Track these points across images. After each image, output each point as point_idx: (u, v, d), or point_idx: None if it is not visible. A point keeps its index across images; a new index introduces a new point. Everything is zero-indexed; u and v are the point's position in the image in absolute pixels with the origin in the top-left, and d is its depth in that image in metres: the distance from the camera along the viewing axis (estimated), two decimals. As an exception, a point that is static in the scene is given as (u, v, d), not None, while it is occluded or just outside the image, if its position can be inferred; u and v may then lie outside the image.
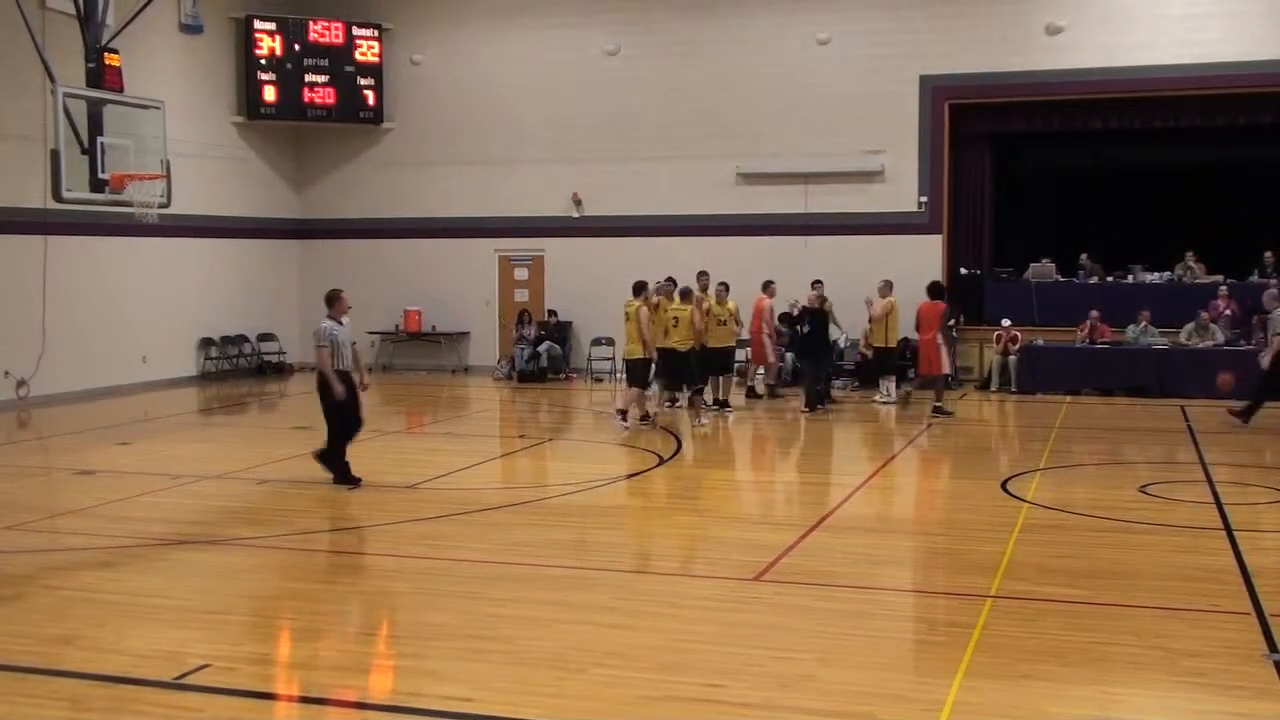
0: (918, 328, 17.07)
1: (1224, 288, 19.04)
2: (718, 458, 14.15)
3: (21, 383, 17.99)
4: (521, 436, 16.26)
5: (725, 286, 17.09)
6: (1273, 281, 18.84)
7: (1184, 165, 21.31)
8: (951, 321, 19.89)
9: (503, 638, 6.83)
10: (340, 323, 11.53)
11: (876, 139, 20.68)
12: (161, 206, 16.43)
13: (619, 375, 21.56)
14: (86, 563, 8.76)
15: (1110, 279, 20.45)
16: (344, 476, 11.26)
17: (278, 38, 22.33)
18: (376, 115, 23.09)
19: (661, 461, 12.99)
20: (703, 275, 16.96)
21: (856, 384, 19.29)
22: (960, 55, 20.23)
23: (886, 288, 17.78)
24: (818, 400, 16.88)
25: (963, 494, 11.70)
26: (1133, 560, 8.67)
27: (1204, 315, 18.47)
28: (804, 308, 17.33)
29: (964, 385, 19.90)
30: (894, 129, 20.59)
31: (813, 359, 17.29)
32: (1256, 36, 18.94)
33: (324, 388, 11.27)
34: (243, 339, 22.55)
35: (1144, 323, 18.90)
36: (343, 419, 11.30)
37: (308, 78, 22.54)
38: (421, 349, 23.39)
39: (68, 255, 18.57)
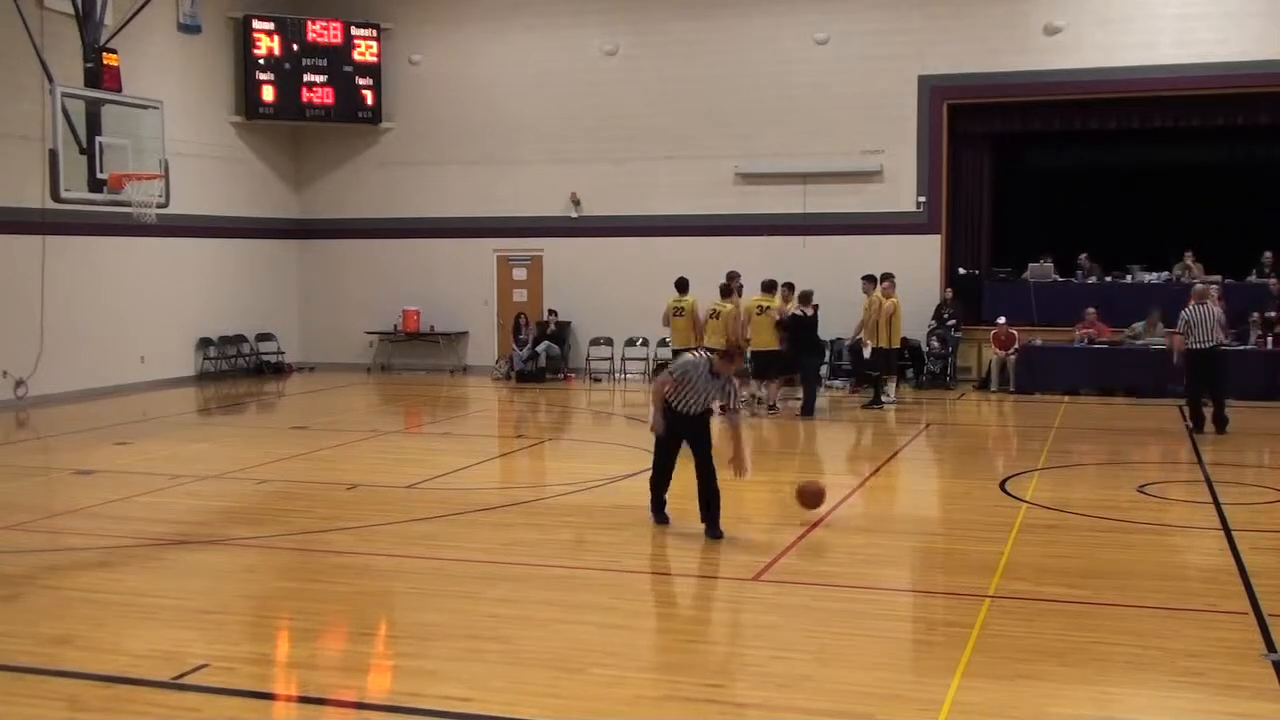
0: None
1: (1216, 287, 19.01)
2: (716, 458, 14.11)
3: (20, 383, 17.98)
4: (520, 436, 16.27)
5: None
6: (1271, 281, 18.88)
7: (1182, 165, 21.30)
8: (952, 322, 19.98)
9: (501, 638, 6.83)
10: (715, 374, 9.29)
11: (875, 139, 20.68)
12: (160, 206, 16.44)
13: (622, 374, 21.64)
14: (86, 563, 8.76)
15: (1109, 279, 20.46)
16: (655, 510, 9.79)
17: (276, 38, 22.32)
18: (375, 115, 23.08)
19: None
20: (788, 286, 17.56)
21: (885, 387, 18.91)
22: (959, 55, 20.24)
23: (891, 287, 17.71)
24: (808, 405, 16.83)
25: (961, 494, 11.71)
26: (1131, 560, 8.67)
27: None
28: (792, 315, 17.15)
29: (961, 385, 19.93)
30: (892, 129, 20.59)
31: (800, 365, 17.17)
32: (1254, 36, 18.95)
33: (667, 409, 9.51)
34: (241, 339, 22.54)
35: (1154, 322, 18.73)
36: (664, 449, 9.64)
37: (306, 78, 22.53)
38: (420, 349, 23.40)
39: (66, 255, 18.57)
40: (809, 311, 16.97)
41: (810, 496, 9.51)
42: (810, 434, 15.79)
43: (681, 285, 17.44)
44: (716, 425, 9.48)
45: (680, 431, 9.44)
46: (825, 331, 17.94)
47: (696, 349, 10.05)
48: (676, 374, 9.30)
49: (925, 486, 12.54)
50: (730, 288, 17.09)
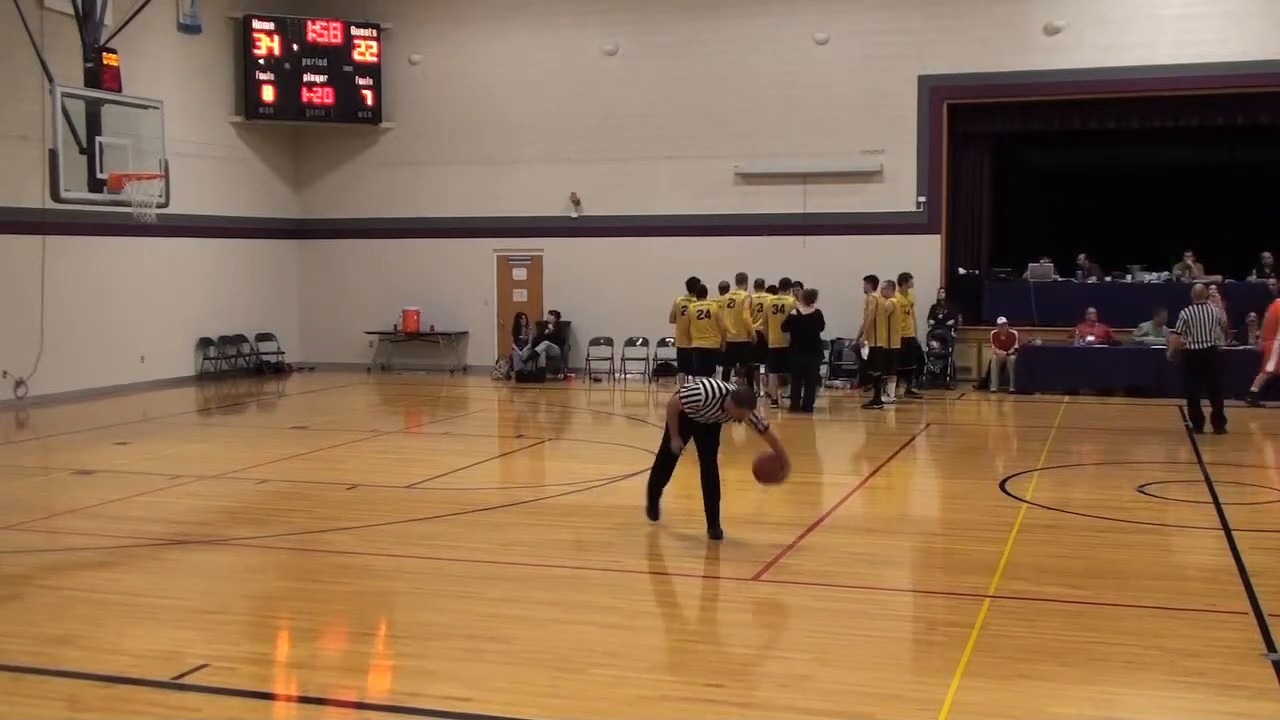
0: None
1: (1214, 287, 18.98)
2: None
3: (20, 383, 17.98)
4: (520, 436, 16.28)
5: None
6: (1271, 282, 18.87)
7: (1182, 165, 21.32)
8: (951, 322, 19.98)
9: (501, 638, 6.83)
10: (722, 410, 9.26)
11: (875, 139, 20.68)
12: (160, 206, 16.44)
13: (622, 374, 21.65)
14: (85, 563, 8.76)
15: (1109, 279, 20.45)
16: (649, 506, 9.77)
17: (276, 37, 22.32)
18: (375, 115, 23.08)
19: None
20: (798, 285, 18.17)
21: (902, 385, 18.91)
22: (959, 55, 20.24)
23: (890, 287, 17.75)
24: (807, 401, 17.08)
25: (961, 494, 11.71)
26: (1131, 560, 8.67)
27: None
28: (789, 316, 17.36)
29: (961, 385, 19.93)
30: (892, 129, 20.59)
31: (799, 363, 17.36)
32: (1254, 36, 18.95)
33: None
34: (241, 339, 22.54)
35: (1161, 322, 18.70)
36: (664, 463, 9.62)
37: (306, 78, 22.53)
38: (420, 349, 23.40)
39: (66, 255, 18.56)
40: (805, 311, 17.16)
41: (768, 471, 9.25)
42: (811, 433, 15.79)
43: (692, 285, 17.84)
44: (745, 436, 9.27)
45: (688, 435, 9.40)
46: (825, 331, 17.98)
47: (710, 378, 9.86)
48: (689, 405, 9.17)
49: (925, 486, 12.54)
50: (702, 287, 17.71)
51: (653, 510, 9.74)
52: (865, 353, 18.01)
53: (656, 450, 9.76)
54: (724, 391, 9.16)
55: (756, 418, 9.12)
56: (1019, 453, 14.32)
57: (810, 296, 17.28)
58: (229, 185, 22.23)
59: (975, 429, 16.90)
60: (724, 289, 18.26)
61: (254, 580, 8.46)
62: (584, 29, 22.05)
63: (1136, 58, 19.34)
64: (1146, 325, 18.99)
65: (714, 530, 9.25)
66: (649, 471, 9.84)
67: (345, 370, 23.21)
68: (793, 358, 17.35)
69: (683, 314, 17.60)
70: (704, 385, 9.32)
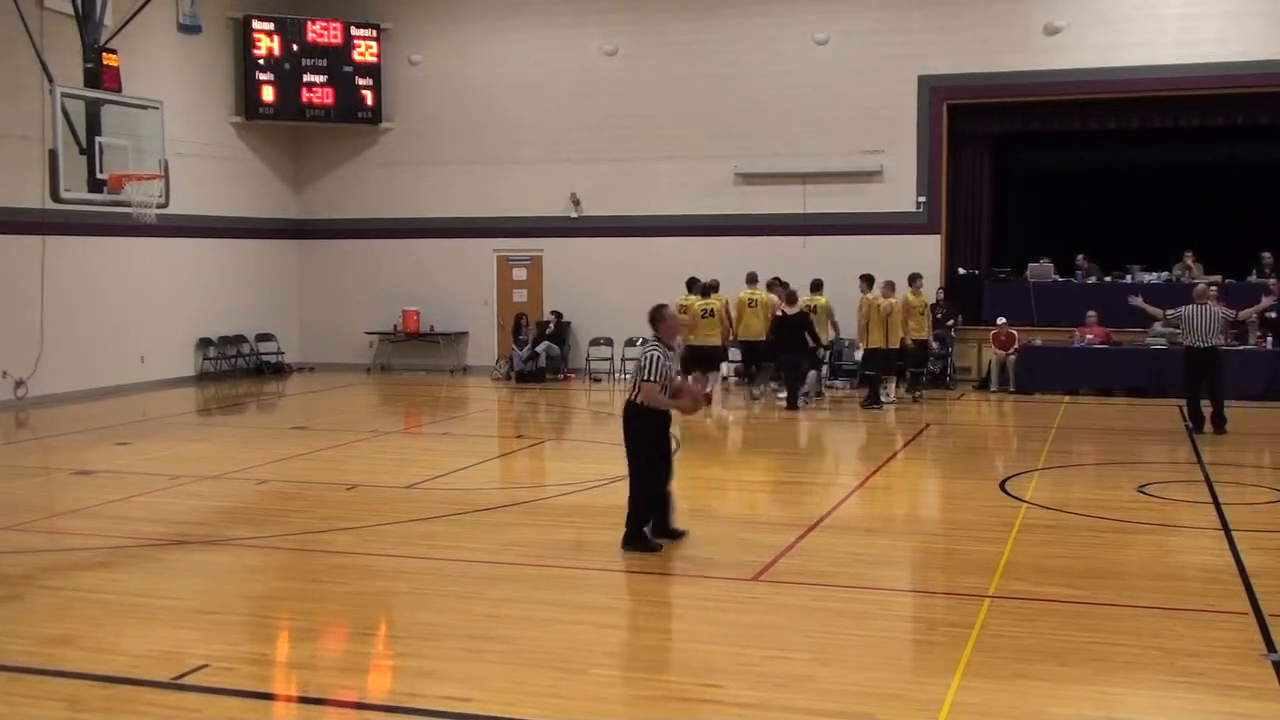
0: None
1: (1215, 288, 18.96)
2: (714, 458, 14.14)
3: (20, 383, 17.98)
4: (520, 437, 16.28)
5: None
6: (1271, 282, 18.86)
7: (1182, 165, 21.33)
8: (951, 322, 19.98)
9: (501, 638, 6.83)
10: (670, 348, 9.02)
11: (875, 139, 20.68)
12: (160, 207, 16.43)
13: (622, 375, 21.65)
14: (85, 563, 8.76)
15: (1109, 279, 20.45)
16: (641, 541, 8.92)
17: (276, 38, 22.33)
18: (375, 115, 23.08)
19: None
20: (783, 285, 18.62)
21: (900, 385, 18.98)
22: (959, 55, 20.24)
23: (889, 287, 17.77)
24: (791, 400, 17.27)
25: (961, 494, 11.71)
26: (1131, 560, 8.67)
27: None
28: (776, 318, 17.54)
29: (961, 385, 19.93)
30: (892, 129, 20.59)
31: (789, 364, 17.61)
32: (1254, 36, 18.95)
33: (635, 421, 8.97)
34: (241, 339, 22.54)
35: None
36: (655, 463, 9.00)
37: (306, 78, 22.54)
38: (420, 349, 23.40)
39: (66, 255, 18.57)
40: (790, 311, 17.39)
41: (693, 398, 9.11)
42: (810, 433, 15.80)
43: (692, 284, 18.24)
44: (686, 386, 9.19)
45: (663, 431, 9.08)
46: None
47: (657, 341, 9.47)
48: (653, 375, 8.81)
49: (925, 486, 12.54)
50: (703, 285, 18.20)
51: (649, 543, 8.90)
52: (859, 354, 18.08)
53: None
54: (653, 339, 8.99)
55: (678, 348, 9.34)
56: (1019, 453, 14.31)
57: (793, 297, 17.43)
58: (229, 185, 22.23)
59: (975, 429, 16.89)
60: (715, 287, 18.52)
61: (254, 580, 8.46)
62: (584, 29, 22.04)
63: (1136, 58, 19.33)
64: (1158, 324, 18.76)
65: (674, 531, 9.10)
66: (642, 496, 8.92)
67: (345, 370, 23.21)
68: (782, 358, 17.50)
69: (683, 314, 17.71)
70: (645, 350, 9.00)
